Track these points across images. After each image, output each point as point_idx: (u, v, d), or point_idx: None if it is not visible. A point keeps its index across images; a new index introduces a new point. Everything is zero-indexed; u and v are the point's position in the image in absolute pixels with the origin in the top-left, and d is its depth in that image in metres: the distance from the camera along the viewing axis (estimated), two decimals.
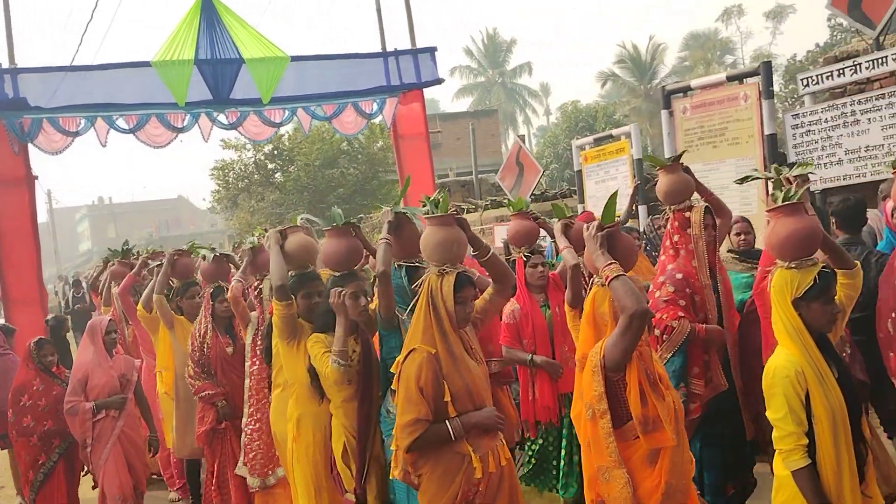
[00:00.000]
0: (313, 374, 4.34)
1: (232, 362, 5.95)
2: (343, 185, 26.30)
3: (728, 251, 5.76)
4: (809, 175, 4.51)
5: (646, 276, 5.76)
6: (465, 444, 3.54)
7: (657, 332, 4.51)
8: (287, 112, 11.82)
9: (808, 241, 3.33)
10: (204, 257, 6.24)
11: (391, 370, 3.76)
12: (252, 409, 5.45)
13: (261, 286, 5.72)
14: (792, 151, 8.88)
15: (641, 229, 8.71)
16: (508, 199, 13.68)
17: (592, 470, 3.35)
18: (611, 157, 11.42)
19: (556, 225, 4.88)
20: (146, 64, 10.19)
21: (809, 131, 8.67)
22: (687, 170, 4.82)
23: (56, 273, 38.31)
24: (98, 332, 6.12)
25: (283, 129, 18.71)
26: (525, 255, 5.36)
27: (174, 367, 6.47)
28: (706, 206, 4.75)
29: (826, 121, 8.52)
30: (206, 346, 5.97)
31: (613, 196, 3.78)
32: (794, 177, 4.01)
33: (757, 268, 5.60)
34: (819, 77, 8.79)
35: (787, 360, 3.20)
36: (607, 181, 11.49)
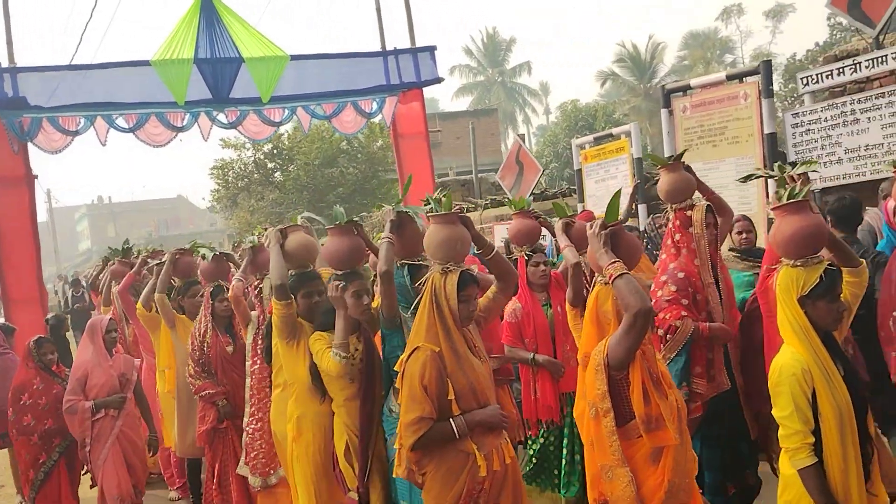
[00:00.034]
0: (315, 372, 4.34)
1: (232, 361, 5.95)
2: (343, 185, 26.31)
3: (729, 250, 5.75)
4: (809, 174, 4.50)
5: (647, 274, 5.75)
6: (470, 442, 3.53)
7: (661, 331, 4.50)
8: (287, 111, 11.83)
9: (814, 239, 3.32)
10: (203, 256, 6.24)
11: (395, 368, 3.75)
12: (253, 409, 5.44)
13: (261, 285, 5.71)
14: (792, 150, 8.88)
15: (642, 228, 8.70)
16: (508, 198, 13.72)
17: (596, 469, 3.35)
18: (610, 155, 11.41)
19: (557, 224, 4.87)
20: (146, 63, 10.20)
21: (809, 130, 8.66)
22: (688, 168, 4.81)
23: (56, 272, 38.30)
24: (98, 331, 6.12)
25: (282, 129, 18.73)
26: (527, 254, 5.35)
27: (176, 366, 6.48)
28: (708, 205, 4.74)
29: (826, 120, 8.51)
30: (206, 345, 5.97)
31: (617, 194, 3.77)
32: (799, 175, 4.00)
33: (758, 266, 5.61)
34: (819, 76, 8.79)
35: (793, 359, 3.19)
36: (607, 180, 11.48)
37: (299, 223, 5.03)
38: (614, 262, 3.30)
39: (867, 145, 8.08)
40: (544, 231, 5.68)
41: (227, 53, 10.52)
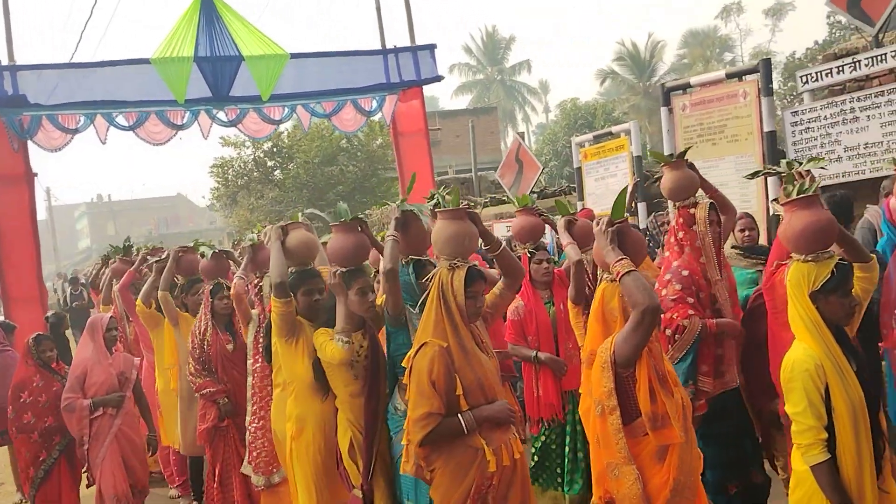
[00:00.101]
0: (318, 368, 4.34)
1: (233, 359, 5.95)
2: (342, 183, 26.30)
3: (732, 247, 5.75)
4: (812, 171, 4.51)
5: (650, 272, 5.75)
6: (478, 437, 3.53)
7: (668, 332, 4.49)
8: (286, 109, 11.82)
9: (824, 234, 3.32)
10: (203, 254, 6.24)
11: (402, 364, 3.76)
12: (255, 408, 5.43)
13: (261, 283, 5.71)
14: (791, 149, 8.88)
15: (642, 226, 8.71)
16: (508, 196, 13.73)
17: (601, 466, 3.34)
18: (610, 154, 11.42)
19: (560, 221, 4.88)
20: (146, 61, 10.19)
21: (809, 128, 8.67)
22: (691, 166, 4.80)
23: (55, 271, 38.28)
24: (99, 329, 6.10)
25: (282, 127, 18.70)
26: (530, 252, 5.35)
27: (179, 364, 6.49)
28: (711, 203, 4.73)
29: (825, 118, 8.51)
30: (206, 343, 5.97)
31: (623, 191, 3.78)
32: (806, 172, 4.00)
33: (761, 264, 5.61)
34: (818, 74, 8.79)
35: (805, 354, 3.18)
36: (607, 178, 11.49)
37: (300, 220, 5.02)
38: (621, 259, 3.29)
39: (867, 143, 8.08)
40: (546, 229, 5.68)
41: (226, 52, 10.51)
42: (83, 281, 18.37)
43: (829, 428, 3.11)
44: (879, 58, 8.12)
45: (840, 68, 8.52)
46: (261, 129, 12.12)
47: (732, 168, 9.06)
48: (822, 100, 8.79)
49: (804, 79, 8.92)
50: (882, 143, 7.96)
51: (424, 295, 3.74)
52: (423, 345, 3.58)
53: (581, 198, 12.03)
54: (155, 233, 55.23)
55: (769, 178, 8.45)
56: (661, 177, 4.96)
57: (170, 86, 10.21)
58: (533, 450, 5.38)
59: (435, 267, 3.98)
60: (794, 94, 21.81)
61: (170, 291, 6.51)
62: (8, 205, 10.03)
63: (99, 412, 5.94)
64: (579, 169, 12.19)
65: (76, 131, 10.48)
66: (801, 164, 4.05)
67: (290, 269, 4.70)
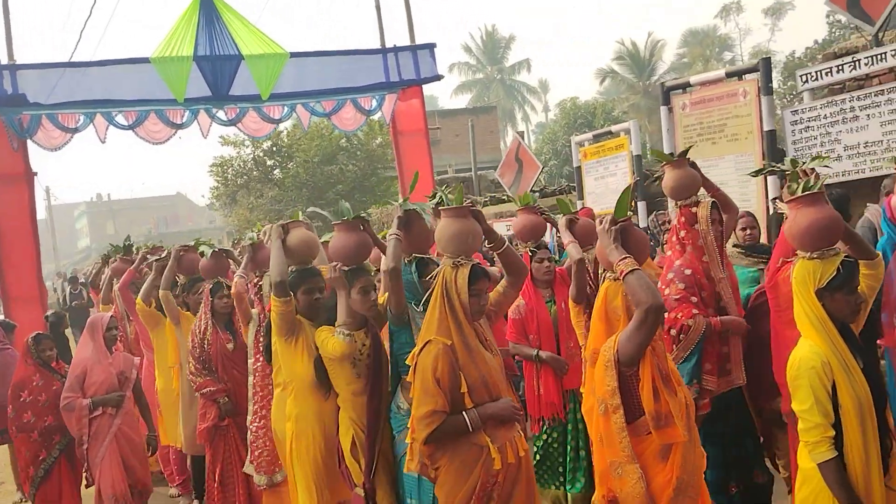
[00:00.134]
0: (320, 367, 4.34)
1: (233, 358, 5.95)
2: (342, 182, 26.29)
3: (733, 246, 5.74)
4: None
5: (652, 271, 5.74)
6: (483, 435, 3.52)
7: (673, 332, 4.48)
8: (286, 108, 11.82)
9: (830, 231, 3.32)
10: (202, 253, 6.24)
11: (406, 362, 3.75)
12: (257, 407, 5.41)
13: (261, 283, 5.70)
14: (791, 148, 8.88)
15: (643, 225, 8.71)
16: (508, 195, 13.73)
17: (605, 465, 3.33)
18: (610, 153, 11.43)
19: (561, 220, 4.87)
20: (145, 60, 10.19)
21: (808, 127, 8.67)
22: (693, 165, 4.80)
23: (55, 270, 38.26)
24: (99, 328, 6.09)
25: (281, 126, 18.68)
26: (531, 250, 5.34)
27: (181, 363, 6.48)
28: (713, 202, 4.72)
29: (825, 117, 8.51)
30: (206, 342, 5.97)
31: (627, 190, 3.77)
32: (810, 170, 3.99)
33: (762, 262, 5.60)
34: (818, 73, 8.79)
35: (811, 351, 3.17)
36: (606, 177, 11.50)
37: (301, 219, 5.02)
38: (625, 257, 3.29)
39: (866, 142, 8.08)
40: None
41: (226, 51, 10.51)
42: (83, 280, 18.37)
43: (836, 425, 3.10)
44: (879, 57, 8.12)
45: (840, 67, 8.52)
46: (260, 128, 12.12)
47: (732, 167, 9.06)
48: (822, 99, 8.79)
49: (804, 78, 8.92)
50: (882, 142, 7.96)
51: (428, 293, 3.73)
52: (427, 342, 3.57)
53: (581, 197, 12.03)
54: (154, 232, 55.21)
55: (769, 178, 8.46)
56: (661, 176, 4.95)
57: (169, 85, 10.21)
58: (535, 448, 5.38)
59: (437, 265, 3.98)
60: (794, 93, 21.81)
61: (171, 290, 6.51)
62: (8, 204, 10.03)
63: (98, 411, 5.92)
64: (579, 168, 12.19)
65: (76, 130, 10.49)
66: (804, 162, 4.04)
67: (290, 268, 4.70)
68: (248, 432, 5.49)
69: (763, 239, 6.53)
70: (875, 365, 3.34)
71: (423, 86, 12.56)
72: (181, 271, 6.63)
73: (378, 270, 4.71)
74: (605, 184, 11.55)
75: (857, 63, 8.35)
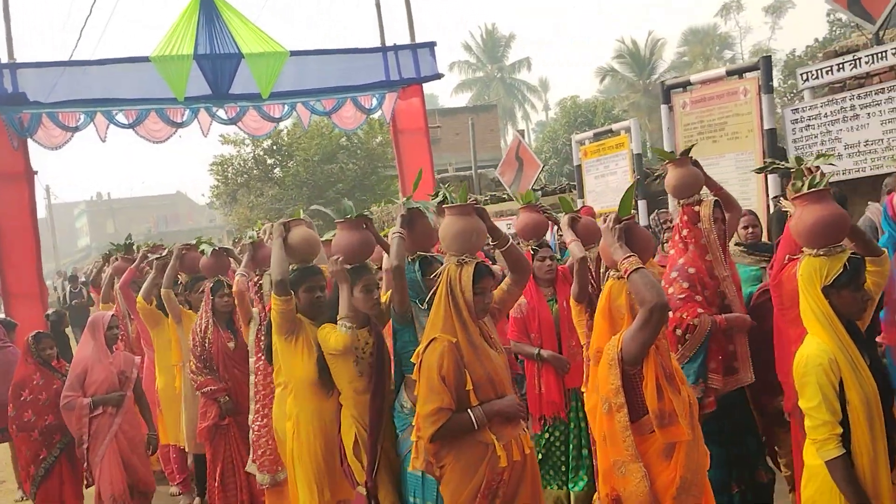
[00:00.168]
0: (322, 365, 4.32)
1: (234, 357, 5.95)
2: (342, 181, 26.27)
3: (735, 244, 5.74)
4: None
5: (654, 269, 5.74)
6: (488, 432, 3.51)
7: (679, 331, 4.47)
8: (286, 107, 11.83)
9: (836, 228, 3.31)
10: (203, 252, 6.23)
11: (411, 360, 3.75)
12: (259, 406, 5.40)
13: (261, 282, 5.69)
14: (791, 146, 8.89)
15: (643, 224, 8.70)
16: (509, 194, 13.73)
17: (608, 464, 3.33)
18: (610, 151, 11.44)
19: (563, 218, 4.86)
20: (145, 59, 10.21)
21: (809, 126, 8.67)
22: (696, 163, 4.78)
23: (55, 269, 38.26)
24: (100, 327, 6.07)
25: (282, 125, 18.67)
26: (533, 249, 5.34)
27: (183, 362, 6.48)
28: (715, 200, 4.71)
29: (825, 115, 8.52)
30: (207, 341, 5.97)
31: (631, 188, 3.76)
32: (815, 167, 3.98)
33: (764, 261, 5.60)
34: (818, 72, 8.79)
35: (818, 349, 3.16)
36: (607, 176, 11.50)
37: (302, 217, 5.01)
38: (629, 256, 3.28)
39: (867, 141, 8.09)
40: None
41: (226, 49, 10.52)
42: (83, 280, 18.36)
43: (844, 422, 3.09)
44: (880, 55, 8.13)
45: (840, 66, 8.52)
46: (260, 126, 12.13)
47: (733, 165, 9.07)
48: (823, 97, 8.80)
49: (804, 76, 8.92)
50: (882, 140, 7.97)
51: (432, 291, 3.73)
52: (432, 340, 3.57)
53: (581, 195, 12.04)
54: (154, 231, 55.19)
55: (769, 176, 8.46)
56: (661, 174, 4.94)
57: (170, 83, 10.22)
58: (537, 447, 5.38)
59: (441, 263, 3.98)
60: (795, 91, 21.81)
61: (172, 289, 6.51)
62: (8, 203, 10.06)
63: (99, 411, 5.89)
64: (579, 167, 12.20)
65: (76, 129, 10.50)
66: (808, 160, 4.04)
67: (291, 267, 4.69)
68: (251, 431, 5.48)
69: (763, 237, 6.53)
70: (881, 362, 3.32)
71: (424, 84, 12.57)
72: (183, 270, 6.64)
73: (379, 269, 4.71)
74: (605, 182, 11.56)
75: (857, 61, 8.36)
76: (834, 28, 27.43)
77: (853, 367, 3.12)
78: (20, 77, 9.92)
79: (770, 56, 10.14)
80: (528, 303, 5.26)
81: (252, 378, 5.52)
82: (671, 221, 6.69)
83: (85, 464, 5.92)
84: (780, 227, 6.39)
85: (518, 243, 5.46)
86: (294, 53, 11.04)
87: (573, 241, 4.59)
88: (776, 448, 5.01)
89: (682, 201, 4.79)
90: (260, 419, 5.38)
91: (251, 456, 5.49)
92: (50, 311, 9.47)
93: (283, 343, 4.57)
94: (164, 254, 6.87)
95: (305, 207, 5.65)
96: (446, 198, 4.08)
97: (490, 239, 3.98)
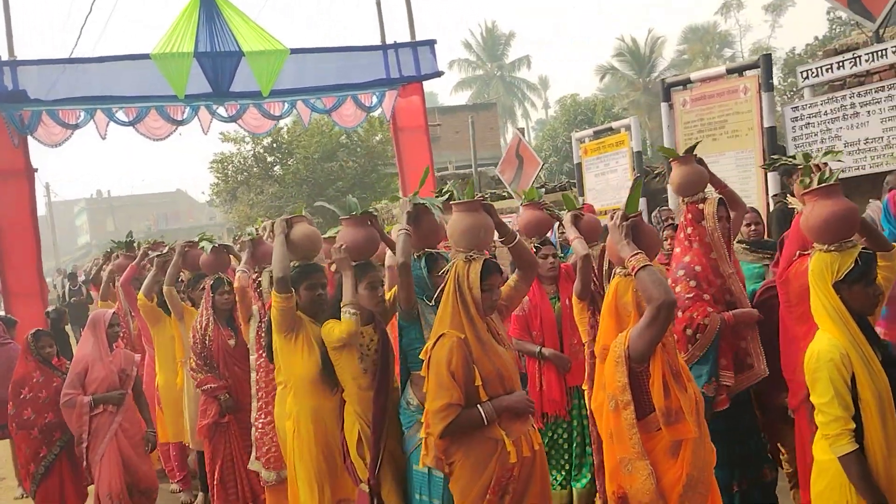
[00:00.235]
0: (326, 362, 4.32)
1: (234, 355, 5.95)
2: (342, 179, 26.24)
3: (738, 241, 5.74)
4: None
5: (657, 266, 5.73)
6: (498, 428, 3.51)
7: (689, 331, 4.46)
8: (287, 105, 11.81)
9: (847, 223, 3.31)
10: (203, 248, 6.23)
11: (420, 357, 3.74)
12: (261, 403, 5.40)
13: (259, 279, 5.69)
14: (791, 144, 8.89)
15: (646, 221, 8.71)
16: (509, 192, 13.73)
17: (614, 461, 3.32)
18: (610, 149, 11.44)
19: (566, 216, 4.86)
20: (146, 56, 10.19)
21: (809, 124, 8.68)
22: (700, 161, 4.77)
23: (55, 266, 38.25)
24: (101, 325, 6.07)
25: (282, 122, 18.64)
26: (535, 246, 5.33)
27: (185, 359, 6.48)
28: (720, 198, 4.70)
29: (825, 113, 8.53)
30: (207, 338, 5.97)
31: (638, 186, 3.75)
32: (824, 164, 3.98)
33: (767, 258, 5.60)
34: (818, 70, 8.80)
35: (830, 344, 3.15)
36: (607, 174, 11.51)
37: (303, 214, 5.00)
38: (637, 253, 3.27)
39: (867, 139, 8.10)
40: None
41: (227, 47, 10.51)
42: (83, 277, 18.36)
43: (856, 418, 3.08)
44: (880, 53, 8.13)
45: (840, 64, 8.53)
46: (261, 124, 12.12)
47: (733, 163, 9.07)
48: (823, 95, 8.81)
49: (804, 74, 8.93)
50: (882, 138, 7.98)
51: (440, 288, 3.73)
52: (441, 336, 3.57)
53: (581, 193, 12.04)
54: (154, 228, 55.13)
55: (770, 174, 8.47)
56: (661, 172, 4.95)
57: (170, 81, 10.21)
58: None
59: (447, 260, 3.98)
60: (795, 89, 21.81)
61: (174, 286, 6.51)
62: (8, 200, 10.04)
63: (99, 409, 5.88)
64: (579, 165, 12.21)
65: (76, 127, 10.48)
66: (815, 156, 4.04)
67: (292, 264, 4.68)
68: (254, 429, 5.47)
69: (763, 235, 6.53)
70: (893, 357, 3.31)
71: (424, 82, 12.56)
72: (186, 267, 6.64)
73: (382, 266, 4.71)
74: (605, 180, 11.56)
75: (857, 59, 8.37)
76: (834, 26, 27.42)
77: (865, 363, 3.11)
78: (21, 74, 9.91)
79: (770, 54, 10.14)
80: (531, 300, 5.25)
81: (253, 375, 5.52)
82: (672, 219, 6.70)
83: (84, 463, 5.92)
84: (781, 224, 6.42)
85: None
86: (294, 51, 11.02)
87: (576, 239, 4.59)
88: (778, 445, 5.01)
89: (686, 199, 4.78)
90: (263, 416, 5.37)
91: (254, 453, 5.48)
92: (50, 309, 9.48)
93: (282, 341, 4.56)
94: (164, 251, 6.87)
95: (307, 205, 5.62)
96: (452, 195, 4.08)
97: (497, 235, 3.98)
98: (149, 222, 61.56)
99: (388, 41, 12.39)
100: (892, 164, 7.76)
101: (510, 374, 3.64)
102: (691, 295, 4.54)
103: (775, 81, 10.30)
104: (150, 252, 7.12)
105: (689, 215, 4.72)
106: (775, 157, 4.92)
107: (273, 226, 5.13)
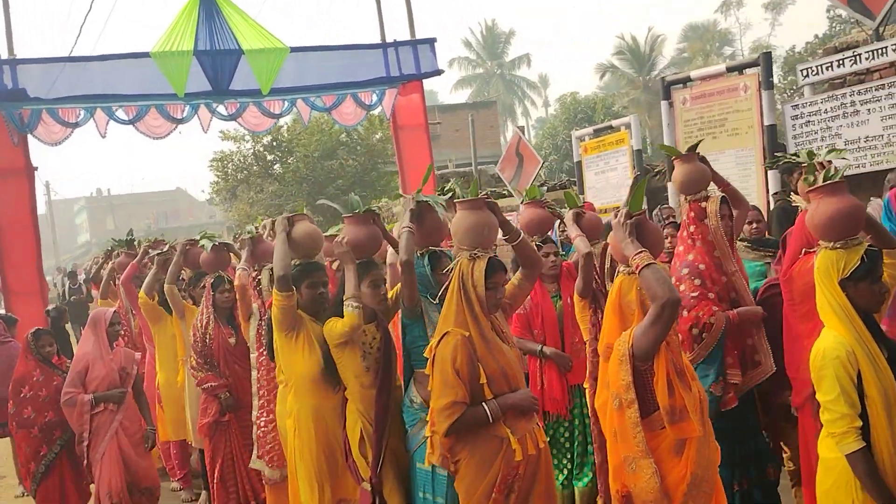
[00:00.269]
0: (328, 360, 4.32)
1: (234, 353, 5.95)
2: (342, 177, 26.22)
3: (739, 240, 5.74)
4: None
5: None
6: (503, 426, 3.51)
7: (696, 331, 4.45)
8: (286, 103, 11.82)
9: (853, 220, 3.30)
10: (203, 247, 6.23)
11: (424, 355, 3.74)
12: (263, 401, 5.40)
13: (259, 277, 5.68)
14: (791, 142, 8.89)
15: None
16: (509, 190, 13.73)
17: (618, 460, 3.32)
18: (610, 147, 11.43)
19: (568, 214, 4.85)
20: (146, 55, 10.19)
21: (809, 122, 8.67)
22: (703, 159, 4.76)
23: (55, 265, 38.23)
24: (101, 323, 6.07)
25: (282, 121, 18.65)
26: (537, 244, 5.32)
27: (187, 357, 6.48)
28: (723, 196, 4.69)
29: (826, 111, 8.52)
30: (208, 337, 5.97)
31: (643, 182, 3.75)
32: (828, 161, 3.98)
33: (769, 256, 5.60)
34: (819, 68, 8.80)
35: (836, 341, 3.14)
36: (607, 172, 11.50)
37: (304, 213, 5.00)
38: (641, 251, 3.27)
39: (867, 137, 8.10)
40: None
41: (226, 45, 10.51)
42: (83, 276, 18.35)
43: (862, 416, 3.07)
44: (880, 51, 8.13)
45: (840, 62, 8.53)
46: (261, 122, 12.12)
47: (733, 162, 9.07)
48: (823, 93, 8.80)
49: (805, 72, 8.93)
50: (882, 136, 7.98)
51: (445, 286, 3.72)
52: (445, 334, 3.56)
53: (581, 191, 12.03)
54: (154, 227, 55.04)
55: (770, 172, 8.47)
56: (661, 170, 4.94)
57: (170, 79, 10.21)
58: None
59: (450, 258, 3.97)
60: (795, 87, 21.79)
61: (176, 285, 6.51)
62: (8, 199, 10.05)
63: (100, 408, 5.89)
64: (579, 163, 12.20)
65: (76, 125, 10.49)
66: (821, 154, 4.03)
67: (293, 262, 4.67)
68: (256, 427, 5.46)
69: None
70: None
71: (424, 80, 12.56)
72: (187, 265, 6.64)
73: (384, 264, 4.70)
74: (605, 178, 11.56)
75: (857, 58, 8.37)
76: (834, 24, 27.39)
77: (871, 360, 3.10)
78: (20, 73, 9.91)
79: (770, 52, 10.15)
80: (532, 299, 5.23)
81: (254, 374, 5.52)
82: (673, 217, 6.70)
83: (85, 461, 5.92)
84: (781, 222, 6.41)
85: None
86: (294, 50, 11.02)
87: (578, 237, 4.59)
88: (781, 443, 5.00)
89: (689, 197, 4.76)
90: (266, 414, 5.37)
91: (256, 452, 5.47)
92: (50, 308, 9.48)
93: (283, 340, 4.55)
94: (165, 249, 6.87)
95: (307, 203, 5.62)
96: (455, 193, 4.08)
97: (502, 233, 3.97)
98: (149, 221, 61.51)
99: (388, 39, 12.39)
100: (892, 162, 7.75)
101: (514, 372, 3.64)
102: (696, 294, 4.52)
103: (775, 79, 10.30)
104: (150, 250, 7.12)
105: (692, 213, 4.71)
106: (779, 154, 4.91)
107: (273, 224, 5.13)
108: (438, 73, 12.44)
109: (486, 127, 35.10)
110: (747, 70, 9.22)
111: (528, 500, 3.57)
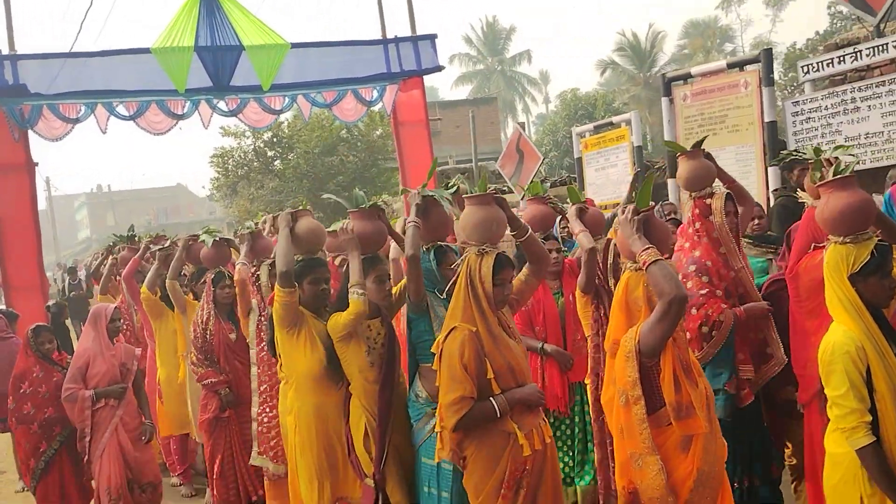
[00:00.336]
0: (332, 356, 4.31)
1: (235, 349, 5.96)
2: (342, 173, 26.22)
3: (742, 236, 5.75)
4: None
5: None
6: (510, 421, 3.51)
7: (705, 328, 4.43)
8: (287, 99, 11.82)
9: (864, 214, 3.28)
10: (203, 242, 6.23)
11: (431, 350, 3.74)
12: (265, 397, 5.40)
13: (258, 272, 5.67)
14: (792, 139, 8.89)
15: None
16: (509, 186, 13.72)
17: (625, 456, 3.32)
18: (611, 144, 11.43)
19: (571, 209, 4.84)
20: (146, 51, 10.20)
21: (809, 118, 8.67)
22: (708, 156, 4.74)
23: (55, 261, 38.26)
24: (102, 319, 6.06)
25: (282, 117, 18.65)
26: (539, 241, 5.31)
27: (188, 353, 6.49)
28: (728, 193, 4.67)
29: (826, 108, 8.52)
30: (208, 332, 5.97)
31: (649, 179, 3.73)
32: (835, 158, 3.97)
33: (771, 252, 5.59)
34: (819, 64, 8.79)
35: (845, 336, 3.13)
36: (607, 168, 11.50)
37: (308, 208, 4.99)
38: (648, 247, 3.26)
39: (867, 133, 8.10)
40: None
41: (227, 41, 10.51)
42: (83, 272, 18.36)
43: (872, 411, 3.06)
44: (881, 48, 8.13)
45: (841, 58, 8.52)
46: (261, 118, 12.13)
47: (733, 158, 9.06)
48: (823, 90, 8.80)
49: (805, 69, 8.93)
50: (883, 132, 7.98)
51: (452, 281, 3.72)
52: (452, 329, 3.56)
53: (581, 188, 12.02)
54: (154, 223, 55.05)
55: (770, 169, 8.47)
56: (662, 167, 4.93)
57: (170, 75, 10.21)
58: None
59: (456, 253, 3.97)
60: (795, 84, 21.77)
61: (178, 280, 6.51)
62: (9, 194, 10.06)
63: (101, 403, 5.88)
64: (580, 159, 12.20)
65: (77, 121, 10.50)
66: (827, 150, 4.02)
67: (295, 258, 4.66)
68: (258, 423, 5.46)
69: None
70: None
71: (424, 76, 12.55)
72: (190, 261, 6.65)
73: (388, 259, 4.70)
74: (605, 175, 11.56)
75: (858, 54, 8.37)
76: (835, 21, 27.40)
77: (880, 356, 3.09)
78: (21, 69, 9.91)
79: (771, 49, 10.14)
80: (534, 295, 5.23)
81: (254, 369, 5.52)
82: (675, 213, 6.69)
83: (85, 458, 5.92)
84: (781, 219, 6.41)
85: None
86: (295, 45, 11.02)
87: (581, 232, 4.58)
88: (783, 440, 4.99)
89: (693, 194, 4.74)
90: (268, 410, 5.36)
91: (256, 448, 5.47)
92: (50, 303, 9.47)
93: (284, 336, 4.52)
94: (166, 244, 6.87)
95: (311, 199, 5.61)
96: (460, 188, 4.07)
97: (509, 229, 3.97)
98: (149, 217, 61.49)
99: (389, 35, 12.38)
100: (892, 158, 7.76)
101: (521, 368, 3.64)
102: (705, 291, 4.49)
103: (776, 76, 10.30)
104: (151, 246, 7.12)
105: (697, 210, 4.67)
106: (784, 151, 4.90)
107: (274, 220, 5.12)
108: (439, 69, 12.44)
109: (487, 123, 35.07)
110: (748, 66, 9.21)
111: (536, 496, 3.57)
